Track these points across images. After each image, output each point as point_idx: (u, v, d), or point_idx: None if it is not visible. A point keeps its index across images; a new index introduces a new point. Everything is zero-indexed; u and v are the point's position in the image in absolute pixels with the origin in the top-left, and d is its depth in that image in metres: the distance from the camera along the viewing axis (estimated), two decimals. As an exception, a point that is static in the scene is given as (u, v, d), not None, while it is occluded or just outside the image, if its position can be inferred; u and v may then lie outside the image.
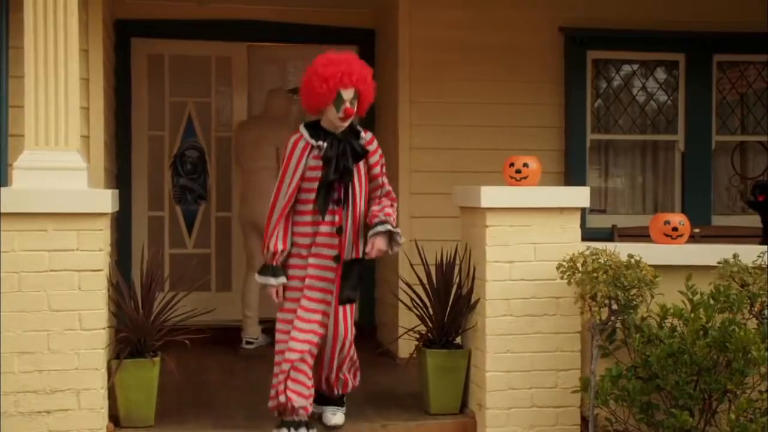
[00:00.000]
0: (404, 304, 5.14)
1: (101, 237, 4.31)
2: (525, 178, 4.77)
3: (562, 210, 4.70)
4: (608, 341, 4.55)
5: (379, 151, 4.47)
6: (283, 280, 4.34)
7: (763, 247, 4.69)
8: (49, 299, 4.24)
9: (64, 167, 4.34)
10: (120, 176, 6.94)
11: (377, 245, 4.41)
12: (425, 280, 4.95)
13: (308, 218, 4.35)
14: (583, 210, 4.90)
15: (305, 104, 4.32)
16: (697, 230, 5.83)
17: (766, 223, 6.18)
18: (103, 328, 4.33)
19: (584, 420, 4.65)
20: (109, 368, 4.43)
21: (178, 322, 4.62)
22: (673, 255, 4.77)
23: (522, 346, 4.66)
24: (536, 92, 6.79)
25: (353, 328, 4.53)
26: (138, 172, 7.25)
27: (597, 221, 7.01)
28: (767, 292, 4.42)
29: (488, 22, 6.66)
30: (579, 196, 4.77)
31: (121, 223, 6.83)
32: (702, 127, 7.14)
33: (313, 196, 4.31)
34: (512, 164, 4.80)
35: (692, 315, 4.30)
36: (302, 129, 4.37)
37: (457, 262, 4.92)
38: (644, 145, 7.29)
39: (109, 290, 4.44)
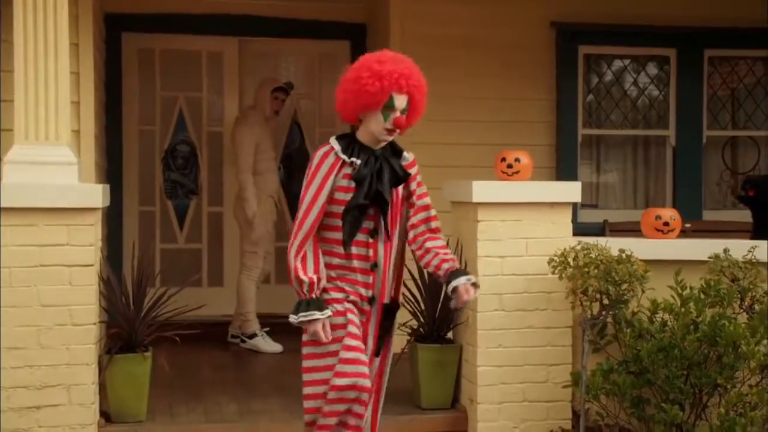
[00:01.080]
0: (396, 299, 5.14)
1: (92, 232, 4.30)
2: (516, 173, 4.77)
3: (553, 205, 4.70)
4: (599, 336, 4.56)
5: (419, 177, 3.70)
6: (328, 312, 3.47)
7: (754, 242, 4.71)
8: (39, 294, 4.22)
9: (54, 162, 4.32)
10: (111, 171, 6.91)
11: (470, 294, 3.58)
12: (417, 275, 4.94)
13: (339, 249, 3.52)
14: (574, 205, 4.90)
15: (343, 108, 3.56)
16: (688, 225, 5.85)
17: (757, 218, 6.19)
18: (94, 324, 4.32)
19: (575, 414, 4.66)
20: (99, 363, 4.42)
21: (170, 318, 4.61)
22: (664, 250, 4.78)
23: (513, 341, 4.67)
24: (528, 87, 6.79)
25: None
26: (129, 167, 7.22)
27: (588, 216, 7.01)
28: (759, 287, 4.43)
29: (480, 17, 6.66)
30: (570, 191, 4.77)
31: (112, 218, 6.81)
32: (693, 122, 7.15)
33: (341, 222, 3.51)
34: (504, 159, 4.81)
35: (683, 310, 4.31)
36: (333, 141, 3.55)
37: (449, 257, 4.92)
38: (635, 140, 7.30)
39: (99, 285, 4.43)
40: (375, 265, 3.55)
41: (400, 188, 3.61)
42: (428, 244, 3.66)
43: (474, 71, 6.65)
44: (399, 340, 5.58)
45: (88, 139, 5.51)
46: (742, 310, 4.42)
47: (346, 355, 3.46)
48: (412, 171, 3.66)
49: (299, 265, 3.45)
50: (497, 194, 4.66)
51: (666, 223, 4.93)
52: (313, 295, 3.46)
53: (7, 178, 4.29)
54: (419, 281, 4.93)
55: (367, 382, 3.47)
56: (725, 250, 4.55)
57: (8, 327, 4.19)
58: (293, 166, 7.63)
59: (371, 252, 3.54)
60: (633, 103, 7.24)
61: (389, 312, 3.65)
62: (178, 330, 4.56)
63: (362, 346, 3.51)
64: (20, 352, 4.20)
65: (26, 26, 4.31)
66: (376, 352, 3.64)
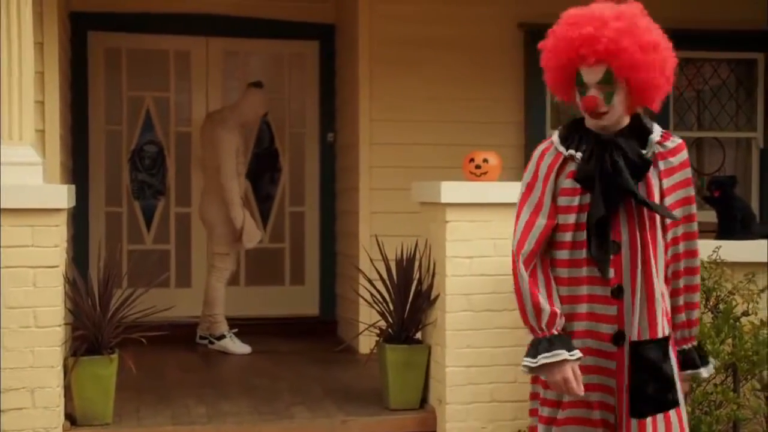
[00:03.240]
0: (364, 299, 5.13)
1: (57, 233, 4.25)
2: (485, 173, 4.78)
3: (521, 205, 4.71)
4: (567, 336, 4.57)
5: (683, 172, 2.74)
6: (578, 353, 2.67)
7: (718, 242, 4.75)
8: (3, 296, 4.15)
9: (18, 162, 4.25)
10: (77, 171, 6.85)
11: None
12: (385, 276, 4.94)
13: (565, 272, 2.73)
14: (542, 205, 4.91)
15: (549, 85, 2.85)
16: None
17: (721, 218, 6.25)
18: (59, 326, 4.26)
19: (543, 414, 4.68)
20: (65, 366, 4.37)
21: (137, 319, 4.56)
22: (631, 250, 4.80)
23: (482, 341, 4.68)
24: (496, 88, 6.82)
25: None
26: (95, 168, 7.16)
27: (556, 216, 7.05)
28: (723, 287, 4.48)
29: (449, 18, 6.67)
30: (538, 191, 4.78)
31: (78, 218, 6.75)
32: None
33: (569, 236, 2.70)
34: (472, 160, 4.82)
35: (649, 309, 4.34)
36: (557, 132, 2.84)
37: (418, 257, 4.92)
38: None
39: (65, 287, 4.37)
40: (619, 290, 2.66)
41: (655, 184, 2.70)
42: (679, 283, 2.76)
43: (443, 71, 6.66)
44: (368, 341, 5.61)
45: (53, 139, 5.44)
46: (707, 310, 4.46)
47: (562, 414, 2.73)
48: (674, 160, 2.73)
49: (535, 291, 2.67)
50: (466, 195, 4.66)
51: (633, 224, 4.96)
52: (554, 331, 2.68)
53: (-30, 179, 4.23)
54: (387, 281, 4.93)
55: None
56: (691, 250, 4.58)
57: (-29, 329, 4.13)
58: (262, 167, 7.59)
59: (612, 273, 2.66)
60: (600, 104, 7.28)
61: (643, 354, 2.65)
62: (145, 331, 4.52)
63: (585, 401, 2.71)
64: (-17, 354, 4.15)
65: (-12, 24, 4.25)
66: (635, 412, 2.66)
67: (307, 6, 7.26)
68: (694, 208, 2.75)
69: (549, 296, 2.70)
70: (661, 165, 2.73)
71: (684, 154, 2.75)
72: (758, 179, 7.37)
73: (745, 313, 4.36)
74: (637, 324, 2.65)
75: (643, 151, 2.71)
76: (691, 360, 2.77)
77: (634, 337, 2.65)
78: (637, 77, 2.65)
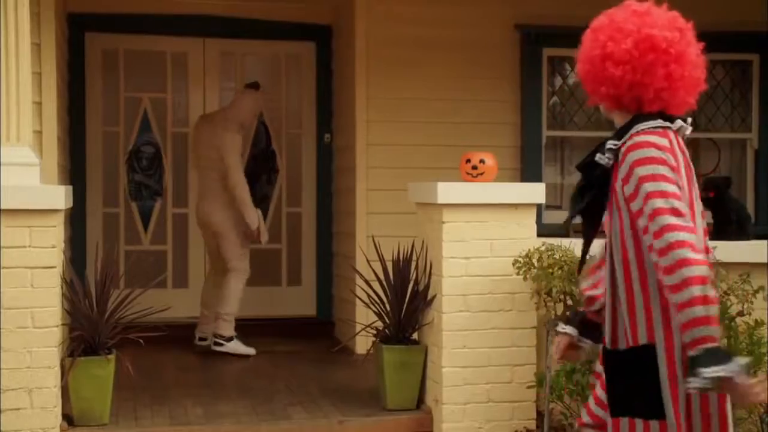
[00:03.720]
0: (361, 300, 5.15)
1: (54, 234, 4.26)
2: (481, 174, 4.80)
3: (517, 206, 4.74)
4: (563, 336, 4.59)
5: (633, 179, 2.51)
6: (567, 329, 2.89)
7: (714, 243, 4.76)
8: (0, 297, 4.16)
9: (16, 163, 4.26)
10: (74, 172, 6.85)
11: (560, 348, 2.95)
12: (382, 277, 4.95)
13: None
14: (538, 206, 4.93)
15: None
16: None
17: (717, 219, 6.27)
18: (57, 326, 4.27)
19: (539, 414, 4.70)
20: (62, 366, 4.38)
21: (134, 320, 4.57)
22: (627, 250, 4.82)
23: (478, 341, 4.69)
24: (493, 89, 6.83)
25: None
26: (93, 168, 7.16)
27: (553, 217, 7.06)
28: (718, 287, 4.49)
29: (445, 19, 6.69)
30: (534, 192, 4.81)
31: (76, 219, 6.75)
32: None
33: None
34: (468, 160, 4.83)
35: (645, 310, 4.36)
36: None
37: (414, 258, 4.94)
38: (599, 142, 7.35)
39: (62, 287, 4.38)
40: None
41: (618, 191, 2.56)
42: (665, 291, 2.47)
43: (439, 72, 6.68)
44: (365, 341, 5.62)
45: (51, 140, 5.45)
46: (702, 310, 4.47)
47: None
48: (624, 167, 2.54)
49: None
50: (462, 195, 4.68)
51: (628, 224, 4.98)
52: (580, 309, 2.89)
53: (-32, 180, 4.23)
54: (384, 282, 4.94)
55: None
56: (686, 251, 4.59)
57: (-31, 330, 4.14)
58: (259, 168, 7.60)
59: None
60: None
61: (611, 360, 2.66)
62: (142, 332, 4.53)
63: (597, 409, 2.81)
64: (-19, 355, 4.15)
65: (-15, 25, 4.26)
66: (612, 411, 2.67)
67: (303, 7, 7.27)
68: (646, 219, 2.45)
69: (594, 282, 2.84)
70: (619, 173, 2.56)
71: (629, 159, 2.51)
72: (753, 180, 7.40)
73: (740, 314, 4.38)
74: (607, 330, 2.66)
75: (603, 156, 2.62)
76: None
77: (607, 344, 2.68)
78: (584, 81, 2.76)
